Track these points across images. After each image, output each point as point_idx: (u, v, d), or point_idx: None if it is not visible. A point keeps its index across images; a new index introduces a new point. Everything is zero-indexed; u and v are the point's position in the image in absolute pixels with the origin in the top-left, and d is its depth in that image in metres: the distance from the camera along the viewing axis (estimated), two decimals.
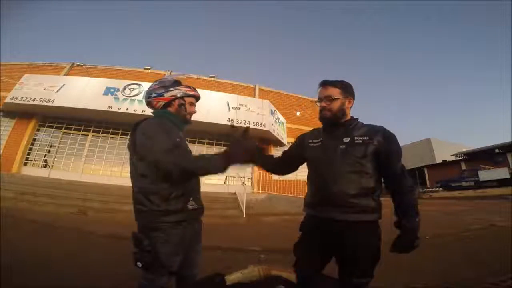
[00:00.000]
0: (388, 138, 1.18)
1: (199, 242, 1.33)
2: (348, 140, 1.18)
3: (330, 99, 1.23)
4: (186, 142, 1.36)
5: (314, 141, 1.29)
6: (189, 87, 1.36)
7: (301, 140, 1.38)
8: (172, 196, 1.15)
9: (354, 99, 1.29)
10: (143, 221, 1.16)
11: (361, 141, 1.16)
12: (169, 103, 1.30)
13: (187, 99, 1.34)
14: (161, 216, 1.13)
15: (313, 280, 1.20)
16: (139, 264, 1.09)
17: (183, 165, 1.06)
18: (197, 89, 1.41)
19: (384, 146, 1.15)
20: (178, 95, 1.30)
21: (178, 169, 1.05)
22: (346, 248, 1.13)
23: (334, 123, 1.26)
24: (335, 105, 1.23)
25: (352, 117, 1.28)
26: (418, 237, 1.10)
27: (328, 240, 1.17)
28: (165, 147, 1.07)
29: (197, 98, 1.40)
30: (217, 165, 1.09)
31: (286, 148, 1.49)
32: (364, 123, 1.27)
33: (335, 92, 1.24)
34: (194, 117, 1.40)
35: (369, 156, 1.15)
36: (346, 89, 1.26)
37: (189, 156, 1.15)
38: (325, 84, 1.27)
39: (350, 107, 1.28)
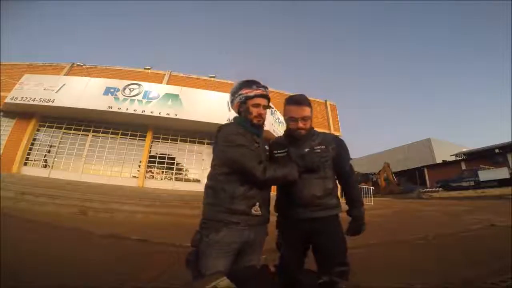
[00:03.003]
0: (340, 145, 1.40)
1: (253, 254, 1.22)
2: (308, 150, 1.34)
3: (306, 119, 1.34)
4: (261, 147, 1.29)
5: (279, 151, 1.40)
6: (249, 87, 1.28)
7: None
8: (237, 195, 1.13)
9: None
10: (203, 215, 1.18)
11: (319, 150, 1.34)
12: (239, 111, 1.31)
13: (250, 101, 1.27)
14: (220, 213, 1.13)
15: (295, 276, 1.28)
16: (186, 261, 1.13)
17: (248, 164, 1.12)
18: (260, 86, 1.31)
19: (337, 151, 1.37)
20: (241, 100, 1.29)
21: (245, 168, 1.12)
22: (319, 241, 1.29)
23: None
24: (309, 124, 1.38)
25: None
26: (365, 222, 1.37)
27: (303, 237, 1.32)
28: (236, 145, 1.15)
29: (260, 96, 1.29)
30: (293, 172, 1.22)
31: None
32: (320, 131, 1.45)
33: (308, 111, 1.35)
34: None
35: (327, 162, 1.34)
36: (311, 104, 1.38)
37: (253, 157, 1.16)
38: (300, 104, 1.34)
39: None
